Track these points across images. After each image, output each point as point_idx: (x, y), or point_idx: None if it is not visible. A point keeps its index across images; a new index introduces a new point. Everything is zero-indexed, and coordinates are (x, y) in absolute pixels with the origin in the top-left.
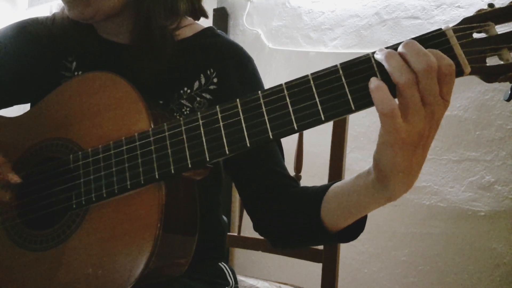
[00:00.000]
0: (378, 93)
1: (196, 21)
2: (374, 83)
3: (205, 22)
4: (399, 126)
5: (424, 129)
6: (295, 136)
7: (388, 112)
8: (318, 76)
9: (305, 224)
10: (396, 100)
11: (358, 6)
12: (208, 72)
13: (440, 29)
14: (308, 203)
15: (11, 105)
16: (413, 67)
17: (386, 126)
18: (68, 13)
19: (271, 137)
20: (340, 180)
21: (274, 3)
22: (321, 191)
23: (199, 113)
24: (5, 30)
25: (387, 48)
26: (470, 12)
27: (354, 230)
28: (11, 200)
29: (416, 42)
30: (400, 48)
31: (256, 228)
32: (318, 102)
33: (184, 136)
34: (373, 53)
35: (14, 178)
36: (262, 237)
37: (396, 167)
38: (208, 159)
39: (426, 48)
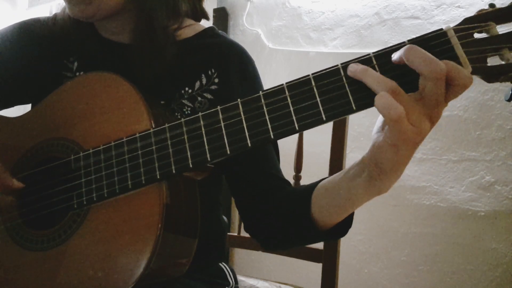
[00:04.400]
0: (381, 99)
1: (197, 22)
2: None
3: (205, 22)
4: (405, 129)
5: (428, 129)
6: (295, 136)
7: (395, 118)
8: (319, 76)
9: (294, 223)
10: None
11: (358, 6)
12: (209, 72)
13: (441, 29)
14: (297, 201)
15: (12, 105)
16: (423, 74)
17: (392, 130)
18: (69, 12)
19: (272, 137)
20: (328, 177)
21: (274, 3)
22: (309, 189)
23: (200, 113)
24: (6, 30)
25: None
26: (470, 12)
27: (343, 226)
28: (12, 201)
29: (420, 49)
30: (404, 54)
31: (246, 229)
32: (319, 102)
33: (185, 136)
34: (374, 53)
35: (16, 184)
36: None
37: (397, 164)
38: (209, 159)
39: (427, 48)
